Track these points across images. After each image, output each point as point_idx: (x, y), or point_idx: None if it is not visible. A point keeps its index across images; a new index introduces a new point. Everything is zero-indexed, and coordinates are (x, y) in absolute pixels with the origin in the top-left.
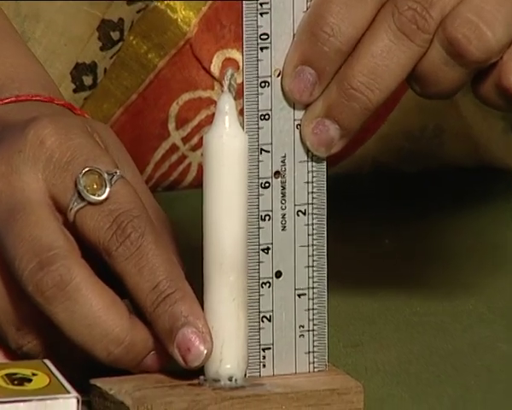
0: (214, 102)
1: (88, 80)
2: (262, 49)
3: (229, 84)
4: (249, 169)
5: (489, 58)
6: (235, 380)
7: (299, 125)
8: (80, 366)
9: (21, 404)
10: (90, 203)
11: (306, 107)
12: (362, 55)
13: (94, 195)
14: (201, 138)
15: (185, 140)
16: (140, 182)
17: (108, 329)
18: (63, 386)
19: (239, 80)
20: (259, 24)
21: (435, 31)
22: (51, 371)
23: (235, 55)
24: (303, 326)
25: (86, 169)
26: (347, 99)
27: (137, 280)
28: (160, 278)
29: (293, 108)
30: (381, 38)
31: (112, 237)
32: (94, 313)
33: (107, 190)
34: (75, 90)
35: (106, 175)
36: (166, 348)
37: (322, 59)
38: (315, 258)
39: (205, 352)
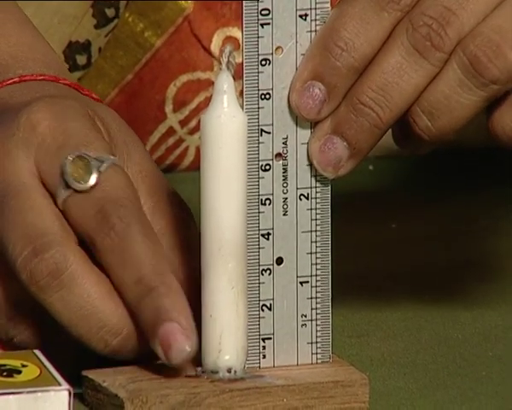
0: (213, 84)
1: (82, 60)
2: (263, 25)
3: (228, 61)
4: (249, 151)
5: (509, 79)
6: (235, 372)
7: None
8: (75, 357)
9: (11, 397)
10: (76, 191)
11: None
12: (373, 71)
13: (79, 182)
14: (199, 121)
15: (183, 123)
16: (149, 164)
17: (105, 319)
18: (54, 378)
19: (239, 60)
20: None
21: (451, 50)
22: (42, 363)
23: (237, 33)
24: (305, 315)
25: (74, 155)
26: (356, 114)
27: (121, 273)
28: (144, 272)
29: None
30: (392, 55)
31: (97, 228)
32: (90, 302)
33: (94, 177)
34: (68, 70)
35: (94, 162)
36: (149, 342)
37: (334, 74)
38: (318, 244)
39: (187, 349)
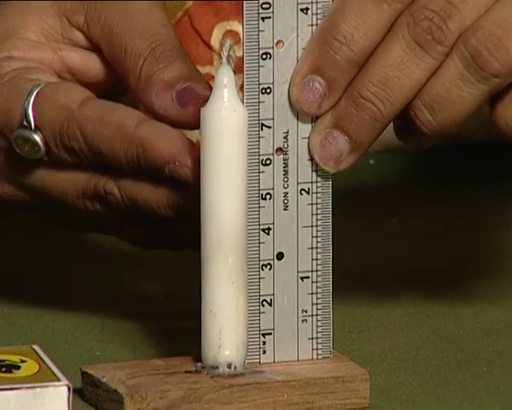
0: (213, 78)
1: None
2: (263, 19)
3: (228, 55)
4: (249, 145)
5: (511, 73)
6: (235, 367)
7: None
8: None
9: (9, 392)
10: (45, 156)
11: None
12: (373, 65)
13: (37, 153)
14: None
15: None
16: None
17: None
18: (53, 373)
19: (239, 54)
20: None
21: (452, 44)
22: (41, 358)
23: (237, 27)
24: (306, 311)
25: (13, 139)
26: (357, 108)
27: (113, 167)
28: (121, 155)
29: None
30: (393, 49)
31: (78, 160)
32: None
33: (37, 137)
34: None
35: (26, 132)
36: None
37: (334, 68)
38: (319, 239)
39: (187, 170)
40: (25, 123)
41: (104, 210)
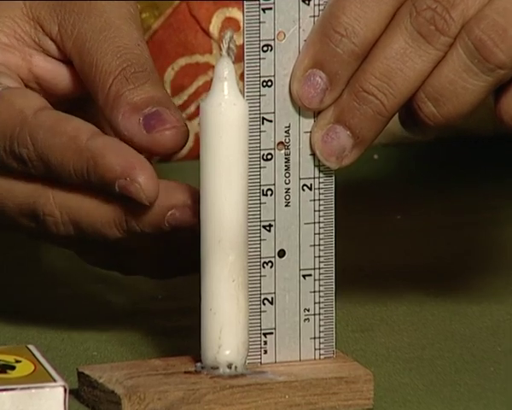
0: (213, 68)
1: None
2: (264, 10)
3: (228, 47)
4: (250, 140)
5: None
6: (235, 367)
7: None
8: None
9: (4, 393)
10: None
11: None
12: (375, 58)
13: None
14: (198, 107)
15: (181, 109)
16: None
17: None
18: (49, 374)
19: (239, 42)
20: None
21: (456, 34)
22: (36, 358)
23: (236, 14)
24: (308, 310)
25: None
26: (359, 102)
27: (66, 181)
28: (70, 166)
29: None
30: (396, 40)
31: (25, 169)
32: None
33: None
34: None
35: None
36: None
37: (335, 61)
38: (321, 236)
39: (138, 186)
40: None
41: (40, 230)
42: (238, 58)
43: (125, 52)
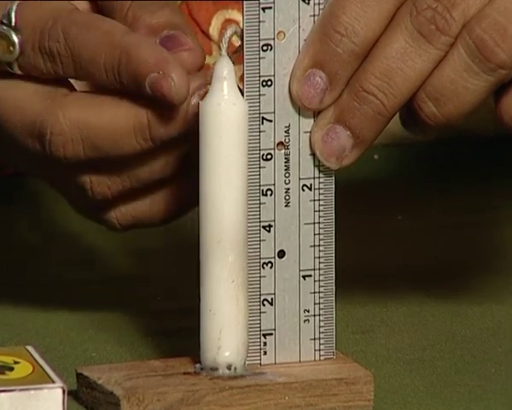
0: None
1: None
2: (264, 9)
3: (228, 46)
4: (249, 140)
5: None
6: (235, 368)
7: None
8: None
9: (2, 394)
10: (18, 59)
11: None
12: (376, 57)
13: (10, 54)
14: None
15: None
16: None
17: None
18: (48, 375)
19: (238, 43)
20: None
21: (456, 34)
22: (35, 359)
23: (236, 16)
24: (308, 311)
25: None
26: (359, 102)
27: (94, 80)
28: (102, 60)
29: None
30: (396, 40)
31: (53, 68)
32: None
33: (14, 37)
34: None
35: (4, 28)
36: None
37: (335, 61)
38: (321, 236)
39: (171, 81)
40: (5, 21)
41: (46, 153)
42: (238, 60)
43: None
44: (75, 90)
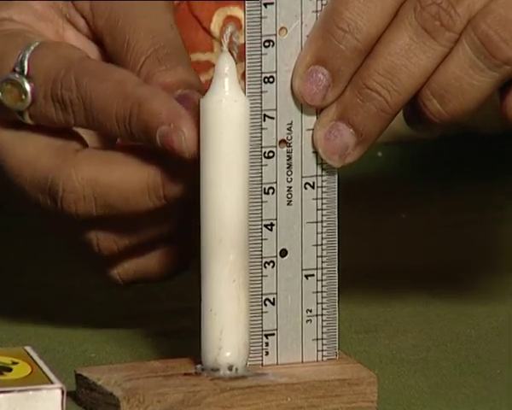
0: (214, 66)
1: None
2: (266, 4)
3: (229, 42)
4: (251, 137)
5: None
6: (236, 369)
7: None
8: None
9: (0, 396)
10: (29, 107)
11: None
12: (379, 54)
13: (21, 101)
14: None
15: None
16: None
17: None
18: (46, 376)
19: (241, 40)
20: None
21: (461, 30)
22: (33, 360)
23: (238, 12)
24: (310, 310)
25: None
26: (362, 99)
27: (105, 130)
28: (114, 111)
29: None
30: (400, 36)
31: (64, 117)
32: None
33: (27, 85)
34: None
35: (16, 76)
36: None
37: (337, 58)
38: (324, 235)
39: (185, 132)
40: (17, 69)
41: (58, 209)
42: (240, 57)
43: (159, 33)
44: (85, 144)
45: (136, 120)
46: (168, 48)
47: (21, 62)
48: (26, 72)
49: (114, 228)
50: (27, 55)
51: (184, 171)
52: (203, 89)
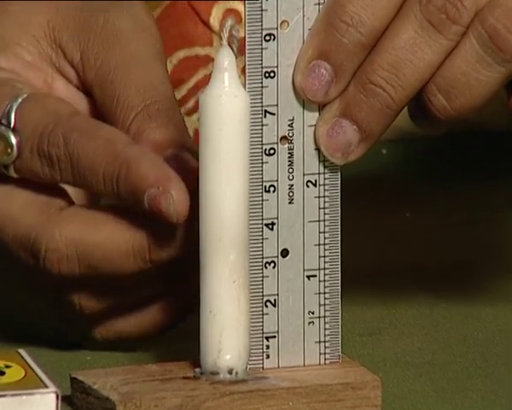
0: (213, 61)
1: None
2: None
3: (229, 36)
4: (252, 134)
5: None
6: (236, 373)
7: None
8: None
9: None
10: (14, 161)
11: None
12: (383, 48)
13: (7, 155)
14: (198, 102)
15: (180, 104)
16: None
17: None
18: (40, 379)
19: (241, 34)
20: None
21: (468, 23)
22: (27, 363)
23: (238, 5)
24: (313, 312)
25: None
26: (366, 95)
27: (91, 188)
28: (102, 170)
29: None
30: (405, 30)
31: (50, 173)
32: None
33: (13, 138)
34: None
35: (2, 128)
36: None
37: (340, 52)
38: (327, 235)
39: (173, 196)
40: (4, 121)
41: (39, 267)
42: (240, 51)
43: (149, 88)
44: (71, 200)
45: (124, 181)
46: (159, 104)
47: (8, 114)
48: (12, 124)
49: (98, 287)
50: (14, 107)
51: (171, 234)
52: (194, 148)
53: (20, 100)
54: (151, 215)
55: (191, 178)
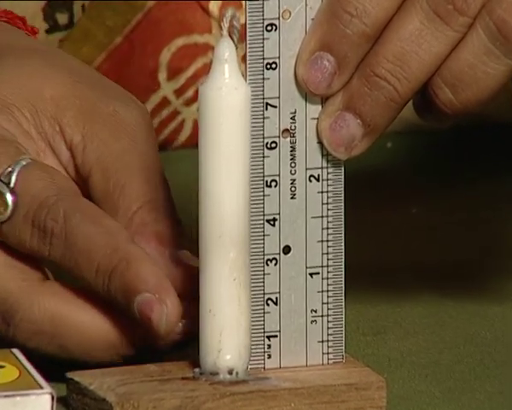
0: (212, 49)
1: (63, 19)
2: None
3: (230, 26)
4: (253, 127)
5: None
6: (236, 373)
7: None
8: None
9: None
10: (4, 222)
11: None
12: (388, 40)
13: (0, 214)
14: (197, 91)
15: (178, 93)
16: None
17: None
18: (35, 380)
19: (242, 21)
20: None
21: (475, 14)
22: (21, 363)
23: None
24: (315, 311)
25: None
26: (370, 88)
27: (79, 273)
28: (98, 259)
29: None
30: (410, 21)
31: (39, 245)
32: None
33: (9, 198)
34: (48, 31)
35: (0, 184)
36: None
37: (344, 43)
38: (330, 231)
39: (165, 310)
40: (3, 179)
41: (9, 334)
42: (241, 39)
43: (152, 183)
44: (46, 274)
45: (118, 277)
46: (162, 201)
47: (9, 174)
48: (12, 185)
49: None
50: (17, 169)
51: (148, 333)
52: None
53: (23, 163)
54: (133, 317)
55: (189, 288)
